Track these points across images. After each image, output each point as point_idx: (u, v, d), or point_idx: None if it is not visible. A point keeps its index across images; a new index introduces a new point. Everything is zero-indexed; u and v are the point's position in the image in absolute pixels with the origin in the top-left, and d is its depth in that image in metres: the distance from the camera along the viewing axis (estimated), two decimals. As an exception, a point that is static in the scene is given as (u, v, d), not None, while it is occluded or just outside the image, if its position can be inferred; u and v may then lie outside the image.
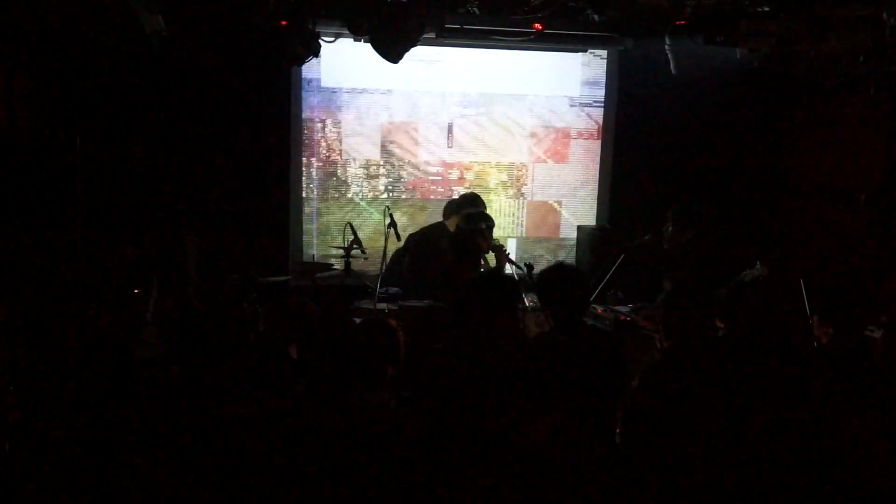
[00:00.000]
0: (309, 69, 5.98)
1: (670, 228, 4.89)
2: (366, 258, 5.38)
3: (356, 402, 2.49)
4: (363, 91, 6.16)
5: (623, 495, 2.13)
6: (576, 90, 6.43)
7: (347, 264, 5.02)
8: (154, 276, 4.92)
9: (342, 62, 6.03)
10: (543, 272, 3.41)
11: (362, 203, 6.31)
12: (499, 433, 2.20)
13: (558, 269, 3.39)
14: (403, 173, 6.31)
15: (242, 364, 2.92)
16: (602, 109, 6.47)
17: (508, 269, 5.14)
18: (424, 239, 5.48)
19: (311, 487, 2.24)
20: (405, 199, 6.32)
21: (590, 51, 6.32)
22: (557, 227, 6.58)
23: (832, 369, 2.94)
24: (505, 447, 2.14)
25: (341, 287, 5.17)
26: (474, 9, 4.98)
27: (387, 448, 2.28)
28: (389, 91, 6.19)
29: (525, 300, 5.02)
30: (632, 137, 6.44)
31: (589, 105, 6.47)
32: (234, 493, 2.21)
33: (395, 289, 5.36)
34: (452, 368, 2.70)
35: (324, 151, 6.20)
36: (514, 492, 2.05)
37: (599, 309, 4.90)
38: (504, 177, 6.45)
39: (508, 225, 6.48)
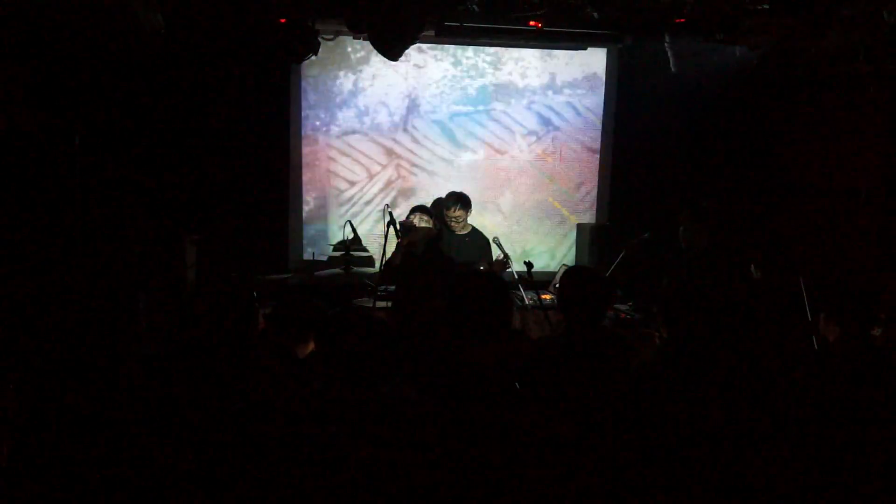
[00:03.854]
0: (309, 67, 5.98)
1: (684, 230, 4.82)
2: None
3: (371, 397, 2.47)
4: (363, 89, 6.16)
5: (621, 493, 2.13)
6: (575, 88, 6.43)
7: (347, 263, 5.03)
8: (153, 275, 4.92)
9: (343, 60, 6.04)
10: (567, 274, 3.36)
11: (362, 201, 6.30)
12: (508, 436, 2.20)
13: (582, 273, 3.36)
14: (403, 172, 6.30)
15: (243, 362, 2.91)
16: (601, 107, 6.47)
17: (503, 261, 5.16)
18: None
19: (320, 485, 2.24)
20: (405, 198, 6.31)
21: (589, 48, 6.31)
22: (556, 225, 6.58)
23: (840, 368, 2.93)
24: (514, 449, 2.14)
25: (341, 285, 5.17)
26: (474, 6, 4.98)
27: (401, 443, 2.27)
28: (389, 89, 6.19)
29: (525, 298, 5.04)
30: (631, 136, 6.44)
31: (588, 103, 6.47)
32: (236, 492, 2.21)
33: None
34: (457, 370, 2.68)
35: (323, 149, 6.20)
36: (520, 491, 2.06)
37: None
38: (504, 176, 6.45)
39: (508, 224, 6.48)
